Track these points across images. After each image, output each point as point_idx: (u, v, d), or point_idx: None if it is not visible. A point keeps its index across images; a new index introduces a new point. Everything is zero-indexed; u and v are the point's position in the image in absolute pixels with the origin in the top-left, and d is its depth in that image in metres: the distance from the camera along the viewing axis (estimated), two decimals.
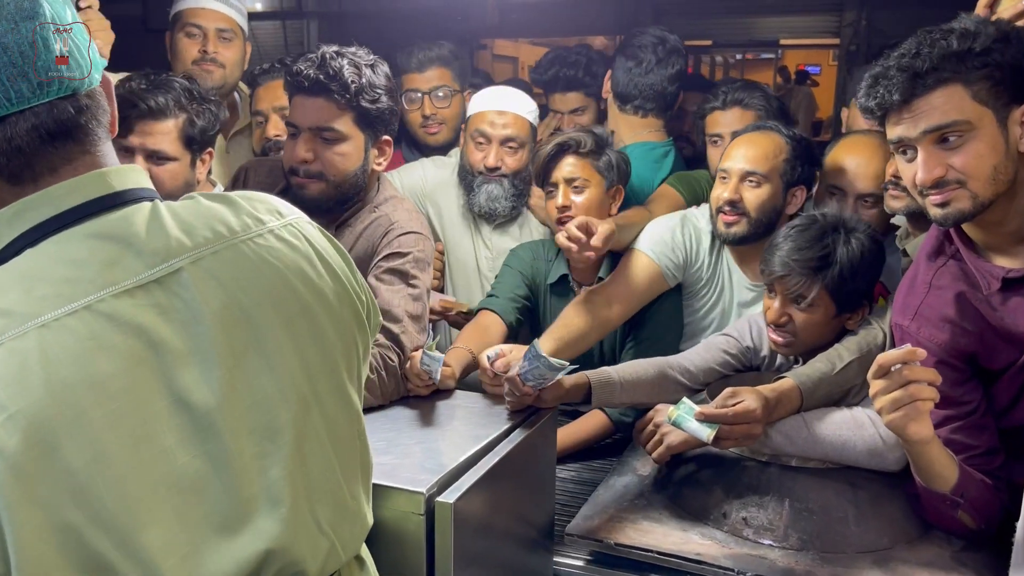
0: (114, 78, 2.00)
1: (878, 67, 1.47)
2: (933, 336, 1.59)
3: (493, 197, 2.40)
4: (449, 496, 1.33)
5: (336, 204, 1.88)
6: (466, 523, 1.35)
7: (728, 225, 2.06)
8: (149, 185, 0.98)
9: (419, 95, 2.69)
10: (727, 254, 2.18)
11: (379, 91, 1.82)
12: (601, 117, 2.79)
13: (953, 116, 1.39)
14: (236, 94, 2.74)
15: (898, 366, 1.40)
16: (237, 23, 2.57)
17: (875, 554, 1.55)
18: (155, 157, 1.92)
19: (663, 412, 1.75)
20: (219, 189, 2.21)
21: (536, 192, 2.42)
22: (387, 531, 1.32)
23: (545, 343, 1.96)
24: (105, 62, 0.98)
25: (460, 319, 2.34)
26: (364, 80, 1.80)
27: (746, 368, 1.96)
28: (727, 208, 2.05)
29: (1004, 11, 1.53)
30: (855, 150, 2.11)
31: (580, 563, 1.66)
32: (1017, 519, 1.29)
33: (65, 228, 0.89)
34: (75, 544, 0.80)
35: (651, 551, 1.56)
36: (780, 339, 1.82)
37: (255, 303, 0.95)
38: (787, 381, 1.70)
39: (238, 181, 2.07)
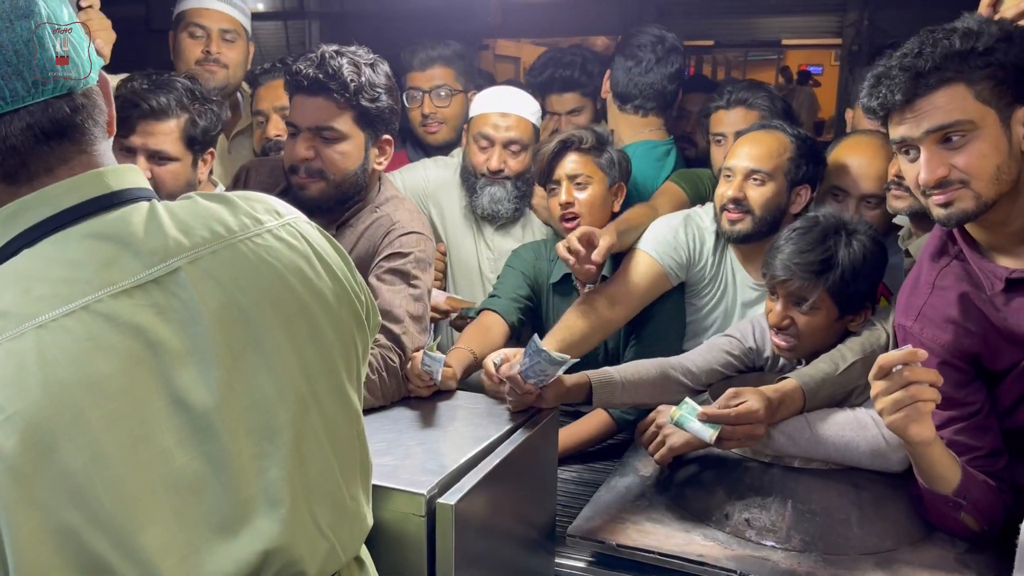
0: (116, 79, 2.01)
1: (880, 67, 1.46)
2: (936, 337, 1.58)
3: (496, 199, 2.40)
4: (450, 498, 1.32)
5: (336, 204, 1.88)
6: (467, 525, 1.35)
7: (732, 223, 2.06)
8: (146, 185, 0.98)
9: (420, 93, 2.69)
10: (731, 253, 2.18)
11: (379, 90, 1.82)
12: (598, 118, 2.78)
13: (956, 116, 1.39)
14: (239, 94, 2.74)
15: (899, 367, 1.40)
16: (240, 23, 2.57)
17: (878, 556, 1.55)
18: (157, 157, 1.93)
19: (665, 413, 1.74)
20: (220, 189, 2.21)
21: (538, 192, 2.42)
22: (388, 532, 1.32)
23: (547, 345, 1.95)
24: (103, 61, 0.98)
25: (460, 322, 2.34)
26: (363, 79, 1.79)
27: (749, 369, 1.95)
28: (731, 206, 2.05)
29: (1007, 10, 1.52)
30: (858, 150, 2.11)
31: (582, 564, 1.65)
32: (1021, 521, 1.28)
33: (62, 228, 0.89)
34: (73, 545, 0.80)
35: (653, 552, 1.56)
36: (784, 344, 1.82)
37: (253, 303, 0.95)
38: (790, 382, 1.70)
39: (239, 181, 2.07)
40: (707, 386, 1.89)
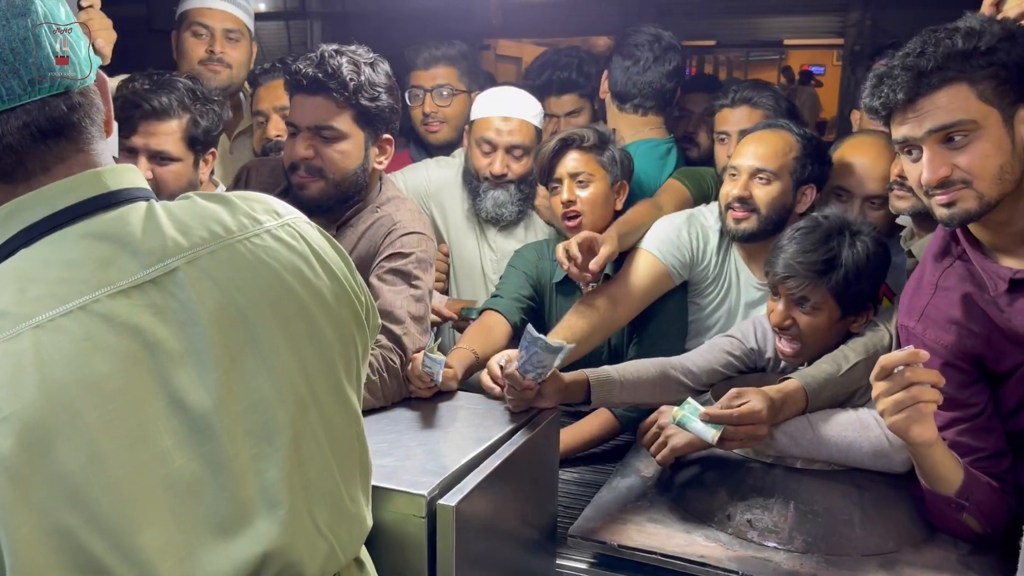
0: (117, 79, 2.01)
1: (882, 67, 1.46)
2: (939, 338, 1.57)
3: (500, 203, 2.40)
4: (451, 499, 1.32)
5: (337, 203, 1.87)
6: (468, 526, 1.35)
7: (738, 221, 2.05)
8: (144, 185, 0.98)
9: (422, 92, 2.69)
10: (735, 253, 2.18)
11: (379, 89, 1.82)
12: (596, 119, 2.78)
13: (958, 115, 1.38)
14: (241, 95, 2.74)
15: (901, 368, 1.39)
16: (244, 23, 2.57)
17: (881, 557, 1.54)
18: (158, 158, 1.93)
19: (667, 413, 1.74)
20: (221, 189, 2.21)
21: (541, 192, 2.42)
22: (388, 534, 1.31)
23: None
24: (100, 61, 0.98)
25: (462, 323, 2.34)
26: (363, 78, 1.79)
27: (750, 370, 1.95)
28: (736, 204, 2.04)
29: (1010, 10, 1.52)
30: (861, 151, 2.11)
31: (583, 565, 1.65)
32: None
33: (59, 228, 0.88)
34: (70, 546, 0.80)
35: (654, 553, 1.55)
36: (788, 349, 1.82)
37: (252, 303, 0.95)
38: (792, 382, 1.69)
39: (240, 181, 2.07)
40: (707, 386, 1.89)
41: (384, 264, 1.84)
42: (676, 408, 1.65)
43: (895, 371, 1.40)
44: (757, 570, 1.50)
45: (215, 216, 0.97)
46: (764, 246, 2.00)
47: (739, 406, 1.60)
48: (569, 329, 2.02)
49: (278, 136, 2.54)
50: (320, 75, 1.77)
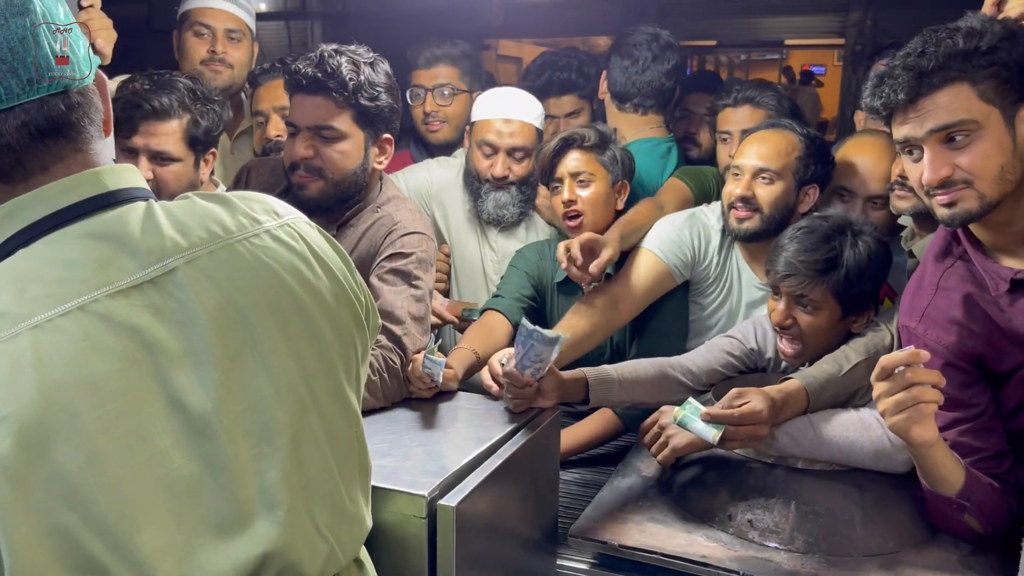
0: (118, 79, 2.01)
1: (883, 67, 1.46)
2: (940, 338, 1.57)
3: (501, 205, 2.40)
4: (451, 499, 1.32)
5: (337, 203, 1.87)
6: (469, 526, 1.34)
7: (740, 221, 2.05)
8: (144, 184, 0.98)
9: (423, 91, 2.68)
10: (737, 252, 2.17)
11: (378, 89, 1.81)
12: (595, 119, 2.77)
13: (959, 115, 1.38)
14: (242, 94, 2.74)
15: (901, 368, 1.39)
16: (246, 23, 2.57)
17: (882, 558, 1.54)
18: (159, 158, 1.93)
19: (668, 413, 1.74)
20: (221, 189, 2.21)
21: (542, 192, 2.41)
22: (388, 534, 1.31)
23: None
24: (99, 61, 0.98)
25: (463, 323, 2.33)
26: (363, 78, 1.79)
27: (750, 370, 1.95)
28: (739, 204, 2.04)
29: (1011, 9, 1.51)
30: (864, 151, 2.10)
31: (584, 565, 1.65)
32: None
33: (58, 228, 0.88)
34: (69, 547, 0.80)
35: (655, 553, 1.55)
36: (789, 349, 1.81)
37: (251, 303, 0.94)
38: (793, 382, 1.69)
39: (240, 181, 2.07)
40: (707, 386, 1.89)
41: (384, 264, 1.84)
42: (677, 408, 1.65)
43: (896, 371, 1.40)
44: (758, 570, 1.49)
45: (214, 216, 0.97)
46: (766, 246, 1.99)
47: (740, 406, 1.60)
48: (570, 328, 2.02)
49: (278, 136, 2.53)
50: (320, 75, 1.76)
